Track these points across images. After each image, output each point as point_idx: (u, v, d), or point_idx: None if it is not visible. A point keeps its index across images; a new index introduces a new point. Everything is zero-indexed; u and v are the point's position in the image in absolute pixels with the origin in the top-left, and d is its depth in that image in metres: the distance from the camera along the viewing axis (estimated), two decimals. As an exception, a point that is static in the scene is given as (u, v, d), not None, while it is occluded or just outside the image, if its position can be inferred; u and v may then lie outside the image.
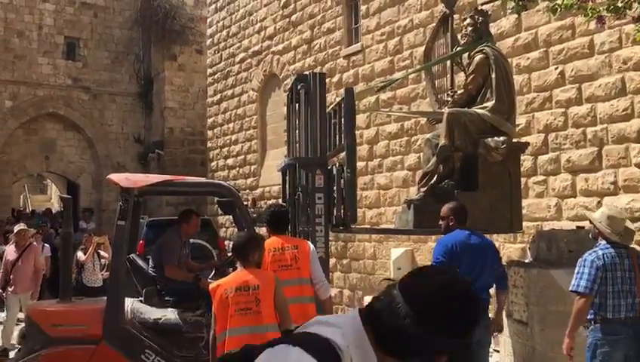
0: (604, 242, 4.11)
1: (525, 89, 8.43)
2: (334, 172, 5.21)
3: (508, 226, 5.90)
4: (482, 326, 4.41)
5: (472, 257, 4.41)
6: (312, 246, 4.47)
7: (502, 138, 5.57)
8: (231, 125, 16.30)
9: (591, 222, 4.24)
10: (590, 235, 4.43)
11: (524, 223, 8.08)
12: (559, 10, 4.79)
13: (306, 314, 4.22)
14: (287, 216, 4.57)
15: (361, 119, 11.25)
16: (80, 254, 9.55)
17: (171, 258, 5.22)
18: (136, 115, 20.25)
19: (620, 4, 4.48)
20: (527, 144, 6.67)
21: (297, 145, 5.55)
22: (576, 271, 4.08)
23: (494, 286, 4.72)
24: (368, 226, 10.70)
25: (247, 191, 14.89)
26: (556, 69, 8.08)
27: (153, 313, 4.94)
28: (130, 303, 5.01)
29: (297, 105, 5.49)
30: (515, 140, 6.51)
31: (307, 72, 5.63)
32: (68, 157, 19.58)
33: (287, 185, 5.52)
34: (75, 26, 19.40)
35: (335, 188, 5.19)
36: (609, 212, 4.18)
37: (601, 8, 4.76)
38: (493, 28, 8.78)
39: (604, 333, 3.97)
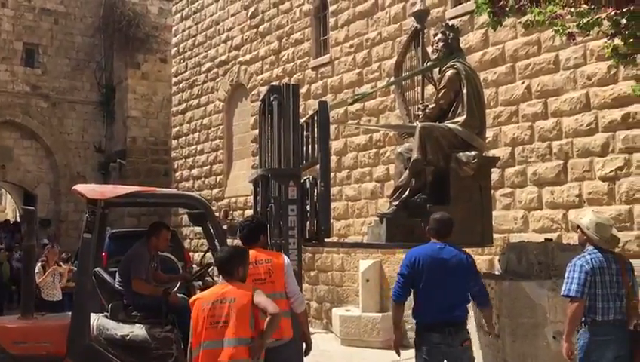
0: (591, 248, 4.23)
1: (492, 103, 8.55)
2: (307, 185, 5.15)
3: (479, 240, 5.94)
4: (456, 344, 4.31)
5: (439, 272, 4.29)
6: (286, 259, 4.39)
7: (473, 152, 5.61)
8: (196, 135, 16.10)
9: (579, 228, 4.35)
10: (578, 241, 4.53)
11: (493, 235, 8.19)
12: (531, 25, 4.87)
13: (280, 329, 4.12)
14: (261, 229, 4.47)
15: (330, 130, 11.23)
16: (39, 269, 9.16)
17: (139, 272, 5.05)
18: (97, 123, 19.83)
19: (590, 22, 4.57)
20: (497, 158, 6.75)
21: (269, 156, 5.47)
22: (565, 276, 4.18)
23: (476, 304, 4.60)
24: (337, 238, 10.66)
25: (213, 201, 14.69)
26: (522, 83, 8.24)
27: (120, 329, 4.77)
28: (95, 319, 4.82)
29: (270, 116, 5.42)
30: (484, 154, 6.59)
31: (278, 83, 5.57)
32: (25, 167, 19.03)
33: (258, 197, 5.43)
34: (35, 32, 18.94)
35: (308, 201, 5.12)
36: (597, 220, 4.31)
37: (571, 25, 4.86)
38: (461, 43, 8.90)
39: (594, 335, 4.07)
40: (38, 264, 9.26)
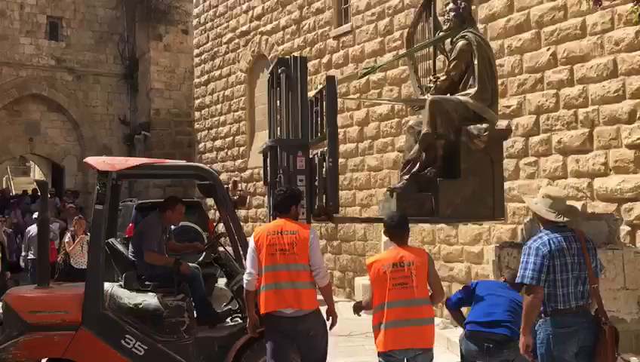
0: (546, 229, 3.74)
1: (517, 70, 8.30)
2: (316, 161, 5.10)
3: (490, 213, 5.83)
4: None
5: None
6: (313, 232, 4.29)
7: (484, 125, 5.51)
8: (219, 106, 16.09)
9: (536, 215, 3.84)
10: (536, 224, 4.09)
11: (515, 205, 8.05)
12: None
13: (300, 299, 4.12)
14: (293, 200, 4.37)
15: (351, 100, 11.10)
16: (68, 239, 9.44)
17: (151, 243, 5.09)
18: (121, 95, 19.96)
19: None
20: (509, 131, 6.59)
21: (279, 128, 5.43)
22: (521, 260, 3.69)
23: None
24: (360, 208, 10.60)
25: (236, 172, 14.74)
26: (548, 50, 7.96)
27: (133, 298, 4.84)
28: (109, 288, 4.90)
29: (278, 88, 5.37)
30: (502, 125, 6.41)
31: (288, 56, 5.49)
32: (52, 139, 19.33)
33: (268, 168, 5.42)
34: (58, 5, 19.00)
35: (317, 176, 5.07)
36: (547, 191, 3.83)
37: (596, -13, 4.62)
38: (485, 9, 8.65)
39: (557, 326, 3.61)
40: (68, 234, 9.60)
